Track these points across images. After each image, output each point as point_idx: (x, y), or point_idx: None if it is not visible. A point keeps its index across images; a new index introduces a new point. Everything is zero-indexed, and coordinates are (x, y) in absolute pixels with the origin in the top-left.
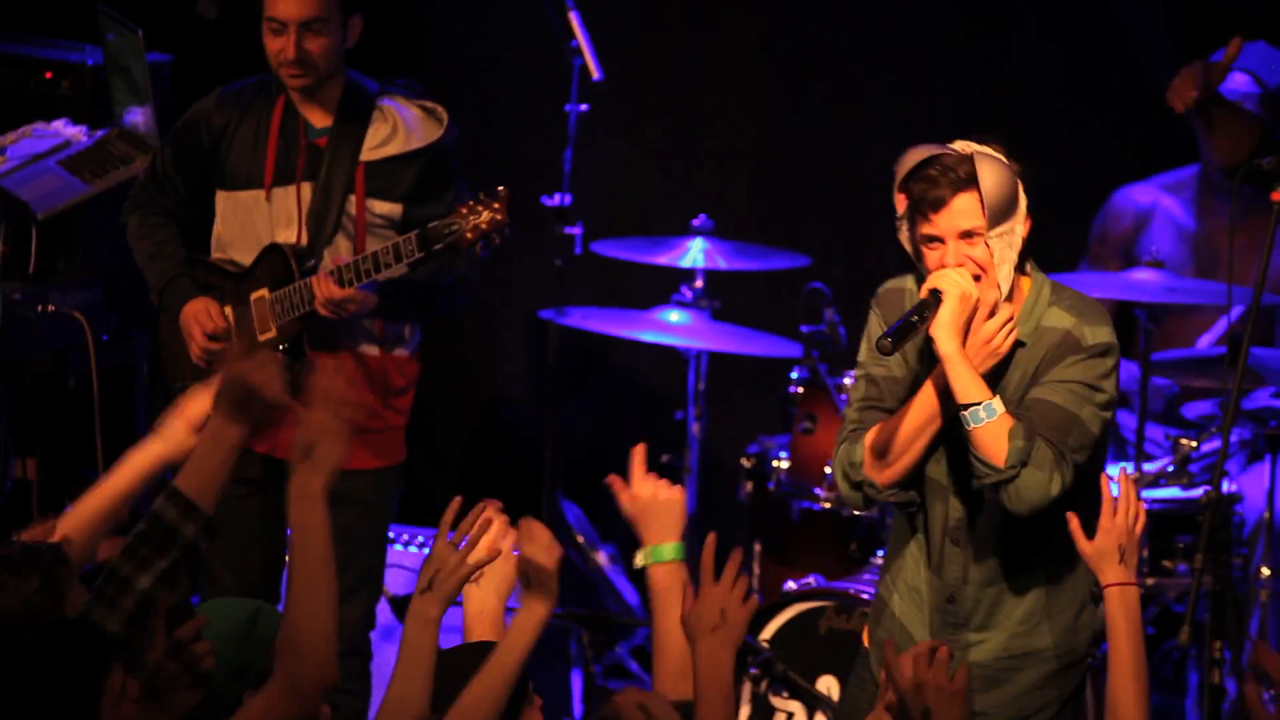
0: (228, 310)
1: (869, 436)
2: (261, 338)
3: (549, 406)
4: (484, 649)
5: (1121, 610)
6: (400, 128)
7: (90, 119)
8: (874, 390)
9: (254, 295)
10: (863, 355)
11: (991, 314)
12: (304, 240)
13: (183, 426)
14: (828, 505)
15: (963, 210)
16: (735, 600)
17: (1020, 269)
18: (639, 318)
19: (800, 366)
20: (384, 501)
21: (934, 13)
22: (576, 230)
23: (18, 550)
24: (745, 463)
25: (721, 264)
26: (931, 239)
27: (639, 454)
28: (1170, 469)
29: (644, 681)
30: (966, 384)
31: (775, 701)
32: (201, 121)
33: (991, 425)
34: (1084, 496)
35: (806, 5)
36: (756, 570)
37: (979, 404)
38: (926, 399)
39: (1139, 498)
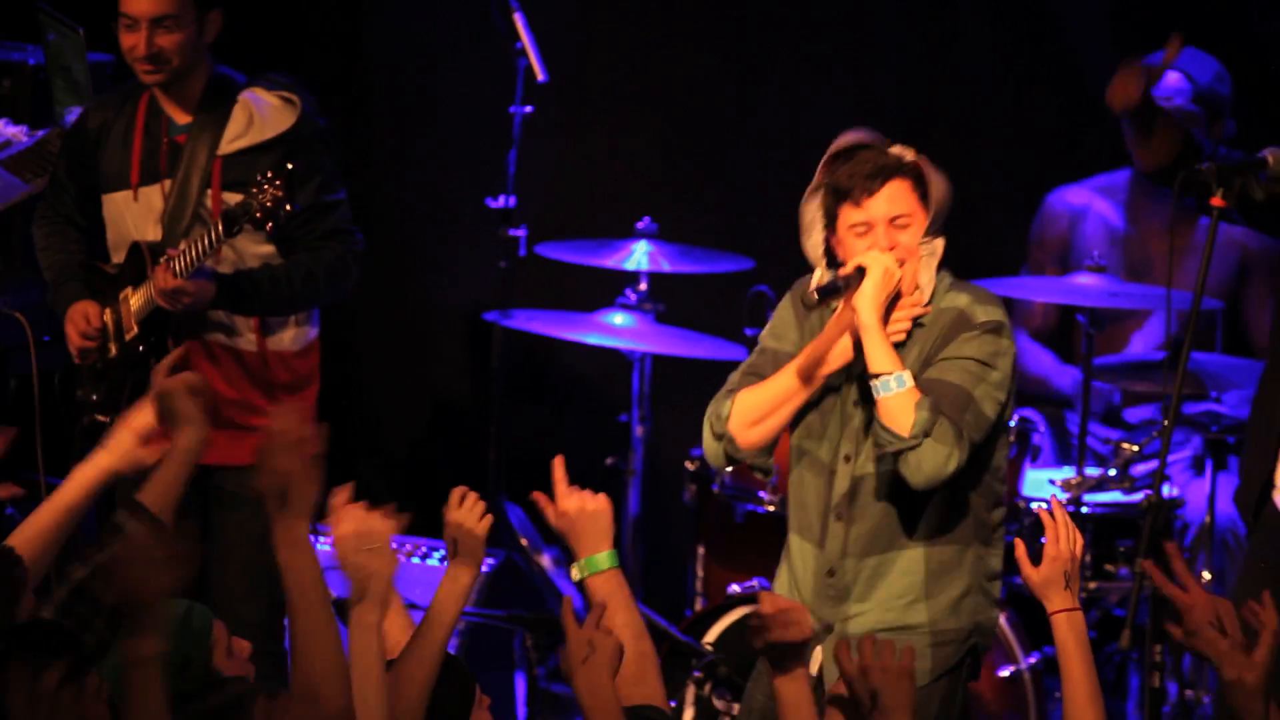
0: (106, 313)
1: (739, 395)
2: (127, 336)
3: (493, 409)
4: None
5: (1072, 635)
6: (256, 119)
7: (31, 119)
8: (761, 360)
9: (121, 295)
10: (763, 336)
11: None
12: (162, 237)
13: (129, 438)
14: (772, 508)
15: (891, 196)
16: (600, 632)
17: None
18: (583, 320)
19: None
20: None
21: (878, 15)
22: (521, 232)
23: None
24: (689, 465)
25: (666, 267)
26: (860, 225)
27: (559, 467)
28: (1112, 473)
29: None
30: (880, 354)
31: (719, 704)
32: (82, 125)
33: (901, 395)
34: (979, 487)
35: (751, 7)
36: (700, 573)
37: (890, 374)
38: (798, 367)
39: (1072, 521)
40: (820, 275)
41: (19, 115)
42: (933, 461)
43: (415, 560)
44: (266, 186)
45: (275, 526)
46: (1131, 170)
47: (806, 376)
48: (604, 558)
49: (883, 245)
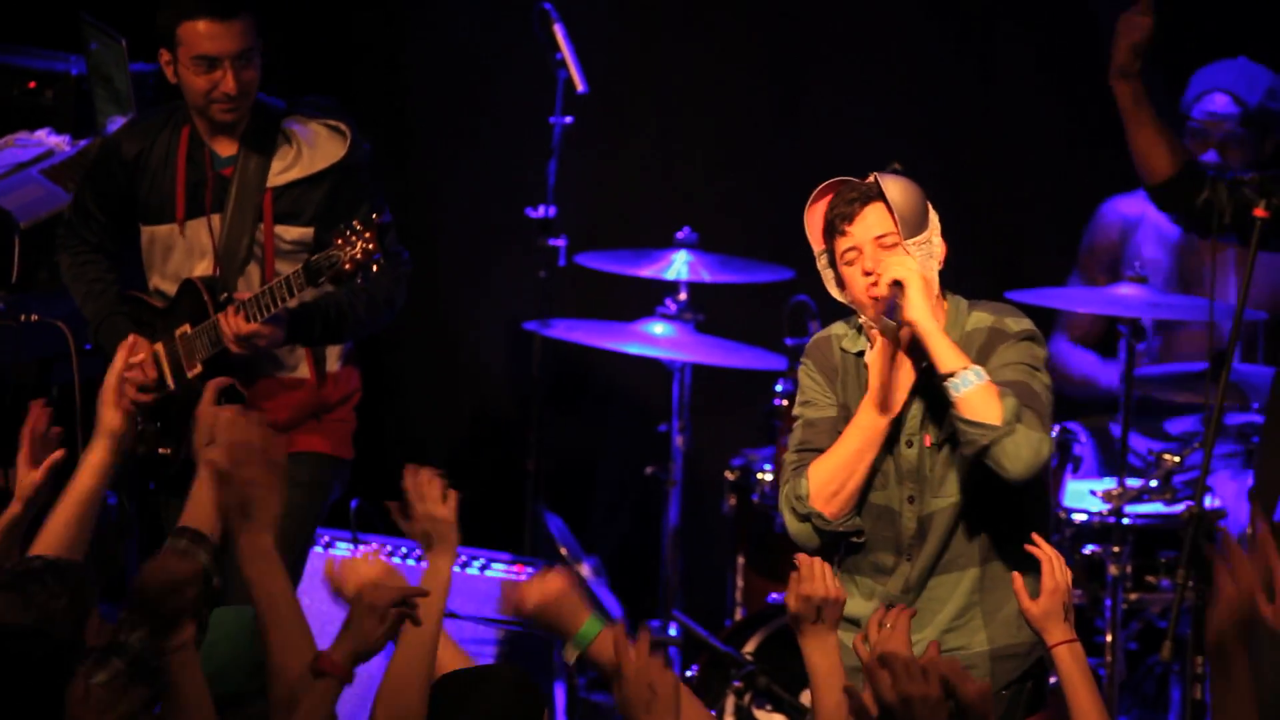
0: (159, 347)
1: (812, 469)
2: (190, 374)
3: (533, 419)
4: (470, 676)
5: (1075, 666)
6: (304, 150)
7: (73, 128)
8: (810, 433)
9: (178, 332)
10: (798, 409)
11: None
12: (217, 273)
13: (115, 415)
14: None
15: (873, 218)
16: (655, 667)
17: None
18: (623, 330)
19: (784, 379)
20: (319, 481)
21: (920, 24)
22: (561, 242)
23: (44, 565)
24: (729, 475)
25: (706, 276)
26: (850, 250)
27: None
28: (1153, 484)
29: None
30: (948, 354)
31: (759, 715)
32: (113, 154)
33: (980, 387)
34: (1032, 499)
35: (792, 18)
36: (740, 583)
37: (964, 369)
38: (860, 425)
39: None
40: (857, 320)
41: (61, 125)
42: (1029, 447)
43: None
44: (356, 239)
45: (241, 541)
46: None
47: (871, 437)
48: (590, 625)
49: (867, 266)
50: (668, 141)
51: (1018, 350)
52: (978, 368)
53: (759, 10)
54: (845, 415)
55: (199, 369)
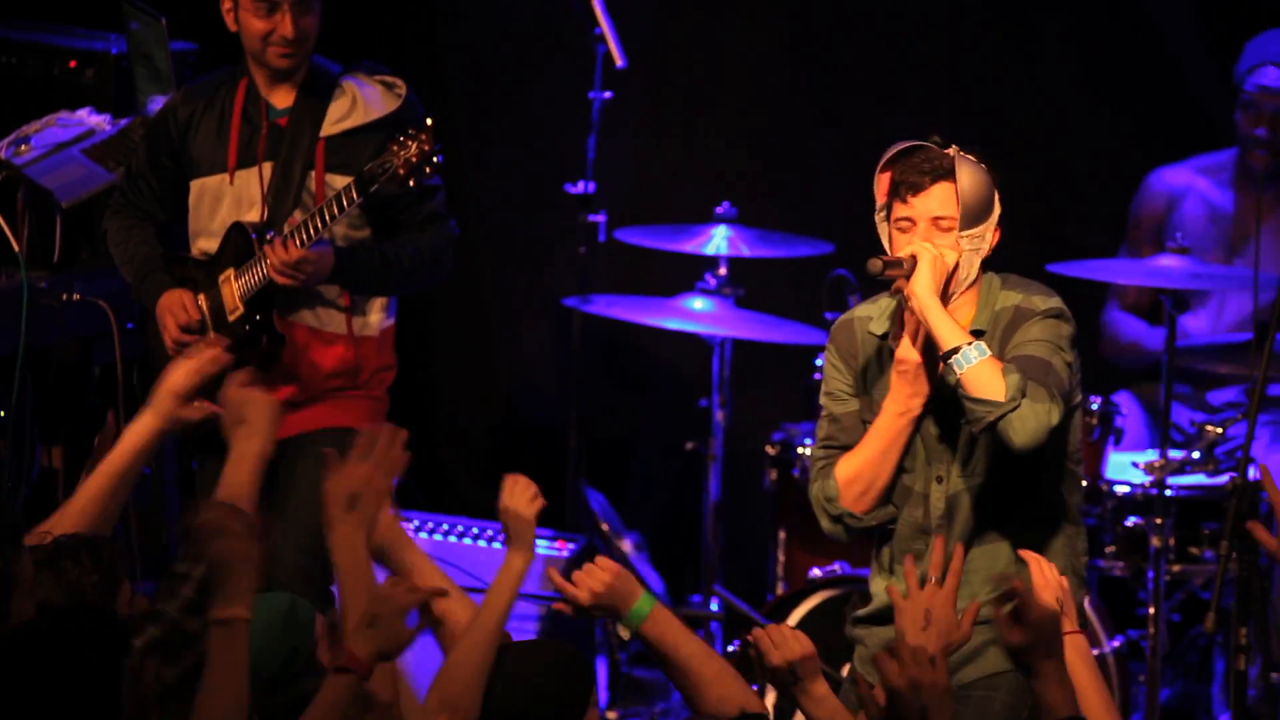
0: (201, 299)
1: (838, 469)
2: (231, 318)
3: (573, 394)
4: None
5: (1079, 657)
6: (360, 101)
7: (114, 108)
8: (835, 428)
9: (221, 277)
10: (823, 399)
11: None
12: (265, 218)
13: (169, 400)
14: None
15: (939, 197)
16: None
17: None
18: (663, 305)
19: (824, 354)
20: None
21: (959, 1)
22: (600, 218)
23: (77, 542)
24: (770, 450)
25: (745, 251)
26: (905, 220)
27: (554, 576)
28: (1196, 456)
29: None
30: (948, 331)
31: None
32: (170, 116)
33: (983, 364)
34: (1060, 471)
35: None
36: (781, 558)
37: (965, 345)
38: (886, 421)
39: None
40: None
41: (102, 104)
42: (1035, 418)
43: (482, 544)
44: (410, 142)
45: (336, 531)
46: (1236, 150)
47: (897, 432)
48: (643, 603)
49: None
50: (706, 116)
51: (1042, 327)
52: (979, 344)
53: None
54: (868, 404)
55: (240, 310)
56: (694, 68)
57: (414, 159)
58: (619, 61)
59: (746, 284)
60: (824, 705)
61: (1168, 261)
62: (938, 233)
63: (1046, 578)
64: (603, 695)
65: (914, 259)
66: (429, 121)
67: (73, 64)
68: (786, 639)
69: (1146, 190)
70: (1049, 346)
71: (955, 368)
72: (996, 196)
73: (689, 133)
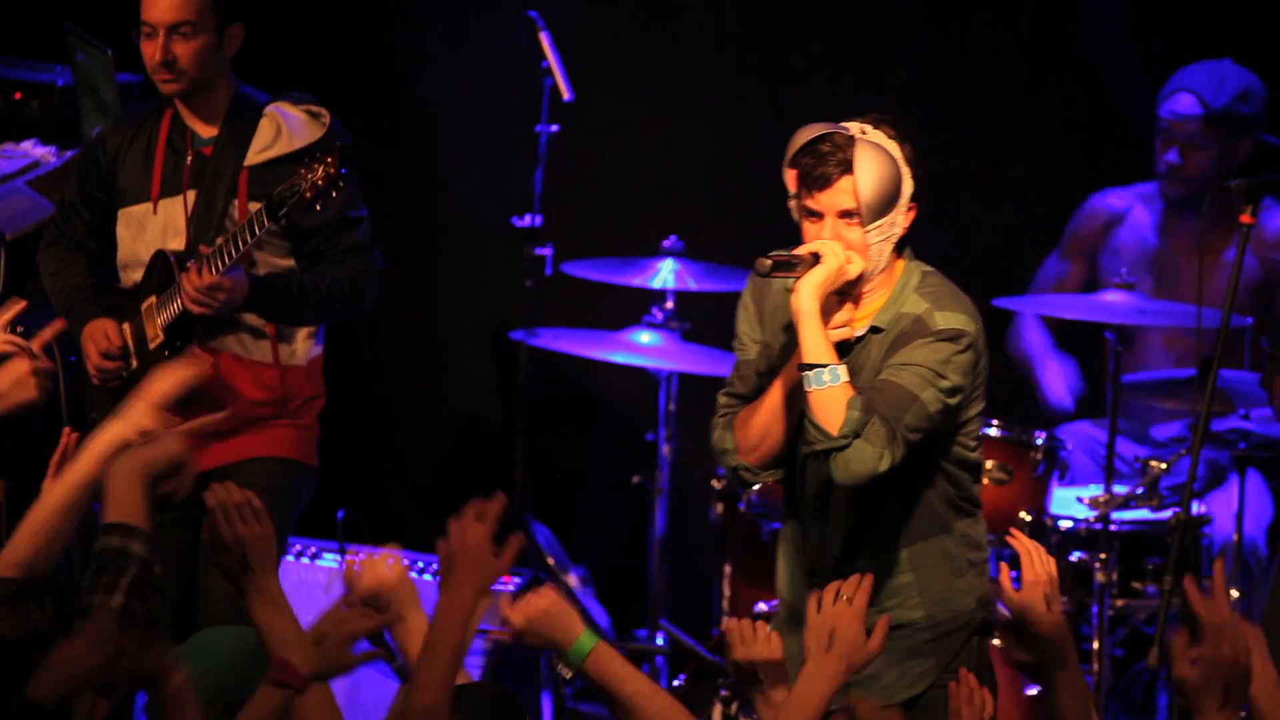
0: (125, 327)
1: (737, 419)
2: (152, 345)
3: (519, 428)
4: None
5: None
6: (284, 131)
7: (59, 139)
8: (735, 374)
9: (144, 305)
10: (734, 342)
11: (854, 289)
12: (188, 247)
13: (143, 408)
14: None
15: (845, 191)
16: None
17: (899, 253)
18: (609, 339)
19: None
20: (282, 486)
21: (906, 28)
22: (547, 251)
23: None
24: (716, 484)
25: (692, 285)
26: (813, 213)
27: (504, 606)
28: (1140, 491)
29: None
30: (816, 344)
31: None
32: (99, 147)
33: (833, 390)
34: (944, 474)
35: (777, 25)
36: (727, 591)
37: (824, 366)
38: (784, 383)
39: (1040, 547)
40: (777, 251)
41: (47, 136)
42: (860, 462)
43: (428, 578)
44: (317, 165)
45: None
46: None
47: (790, 395)
48: (584, 640)
49: (824, 235)
50: (654, 150)
51: (928, 351)
52: (838, 367)
53: (745, 19)
54: (766, 354)
55: (161, 338)
56: (641, 101)
57: (320, 182)
58: (566, 95)
59: (693, 317)
60: (779, 715)
61: (1113, 297)
62: (844, 226)
63: (1036, 572)
64: None
65: (815, 257)
66: (337, 145)
67: (18, 95)
68: (757, 639)
69: (1088, 208)
70: (924, 377)
71: (806, 384)
72: (908, 173)
73: (636, 166)
